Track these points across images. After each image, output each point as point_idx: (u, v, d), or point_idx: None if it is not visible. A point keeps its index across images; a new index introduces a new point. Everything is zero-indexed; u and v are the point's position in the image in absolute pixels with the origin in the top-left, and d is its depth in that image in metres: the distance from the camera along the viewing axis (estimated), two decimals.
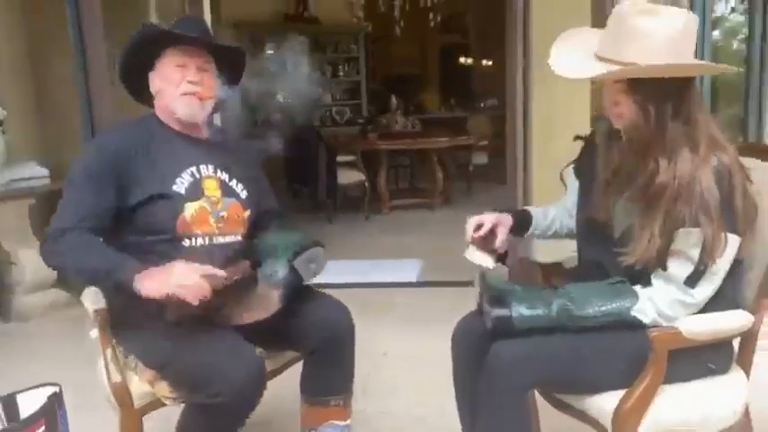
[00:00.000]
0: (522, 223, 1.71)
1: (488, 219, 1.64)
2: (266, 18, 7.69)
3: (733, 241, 1.35)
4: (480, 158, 6.93)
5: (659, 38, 1.33)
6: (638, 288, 1.40)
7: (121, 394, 1.59)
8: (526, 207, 1.77)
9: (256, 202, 1.82)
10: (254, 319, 1.61)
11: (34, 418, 1.13)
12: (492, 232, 1.63)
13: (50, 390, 1.20)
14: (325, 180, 5.65)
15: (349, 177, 5.85)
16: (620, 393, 1.40)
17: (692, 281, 1.35)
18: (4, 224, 3.49)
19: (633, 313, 1.38)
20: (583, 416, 1.49)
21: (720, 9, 4.42)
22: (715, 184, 1.32)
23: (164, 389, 1.60)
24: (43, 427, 1.14)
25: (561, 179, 1.74)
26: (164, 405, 1.63)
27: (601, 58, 1.40)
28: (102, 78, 2.89)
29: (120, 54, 1.76)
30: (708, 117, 1.40)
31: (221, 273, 1.51)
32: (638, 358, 1.38)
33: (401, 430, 2.16)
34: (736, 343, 1.52)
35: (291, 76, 2.22)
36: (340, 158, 5.85)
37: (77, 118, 3.98)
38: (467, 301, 3.77)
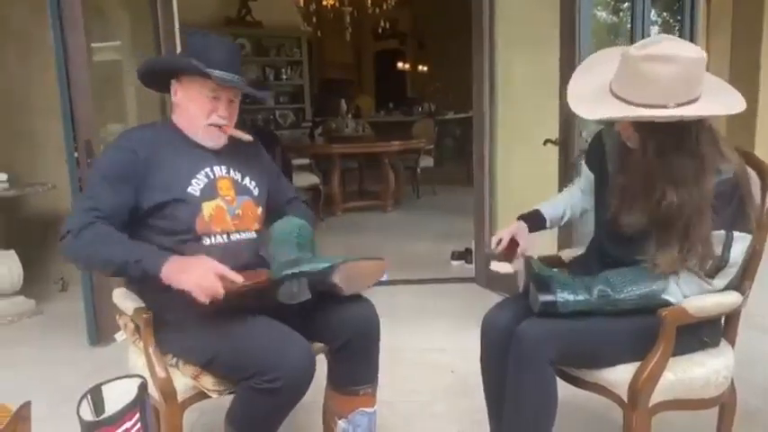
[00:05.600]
0: (536, 224, 1.86)
1: (505, 234, 1.81)
2: (207, 21, 7.56)
3: (746, 239, 1.56)
4: (427, 162, 7.15)
5: (665, 82, 1.43)
6: None
7: (167, 389, 1.64)
8: (536, 207, 1.91)
9: (268, 198, 1.89)
10: None
11: (131, 407, 1.19)
12: (514, 241, 1.79)
13: (136, 381, 1.26)
14: None
15: (304, 180, 5.91)
16: (631, 366, 1.59)
17: (711, 272, 1.55)
18: None
19: (664, 296, 1.57)
20: (598, 388, 1.67)
21: None
22: (728, 193, 1.50)
23: (208, 382, 1.65)
24: (138, 415, 1.21)
25: (575, 167, 1.90)
26: (206, 398, 1.68)
27: (614, 95, 1.52)
28: (83, 83, 2.87)
29: (149, 61, 1.82)
30: (715, 149, 1.54)
31: (239, 279, 1.55)
32: (647, 334, 1.57)
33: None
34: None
35: None
36: (295, 162, 5.91)
37: (38, 121, 3.92)
38: (434, 297, 3.87)
